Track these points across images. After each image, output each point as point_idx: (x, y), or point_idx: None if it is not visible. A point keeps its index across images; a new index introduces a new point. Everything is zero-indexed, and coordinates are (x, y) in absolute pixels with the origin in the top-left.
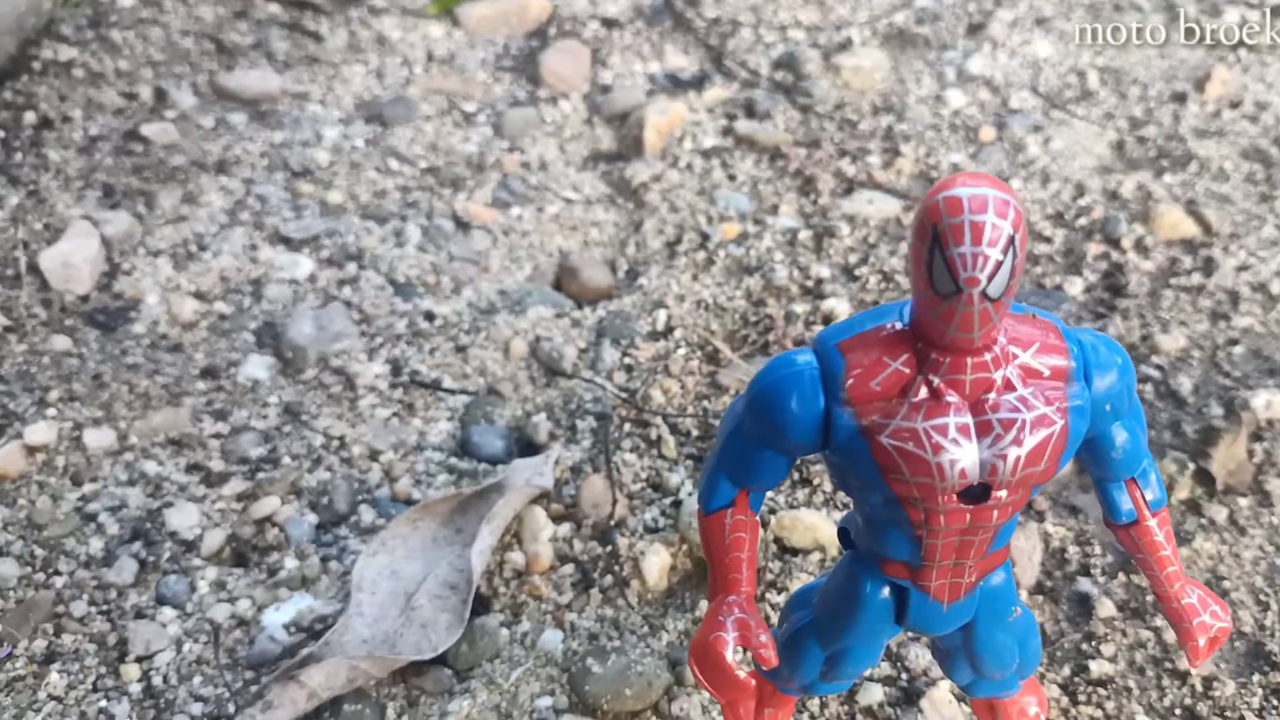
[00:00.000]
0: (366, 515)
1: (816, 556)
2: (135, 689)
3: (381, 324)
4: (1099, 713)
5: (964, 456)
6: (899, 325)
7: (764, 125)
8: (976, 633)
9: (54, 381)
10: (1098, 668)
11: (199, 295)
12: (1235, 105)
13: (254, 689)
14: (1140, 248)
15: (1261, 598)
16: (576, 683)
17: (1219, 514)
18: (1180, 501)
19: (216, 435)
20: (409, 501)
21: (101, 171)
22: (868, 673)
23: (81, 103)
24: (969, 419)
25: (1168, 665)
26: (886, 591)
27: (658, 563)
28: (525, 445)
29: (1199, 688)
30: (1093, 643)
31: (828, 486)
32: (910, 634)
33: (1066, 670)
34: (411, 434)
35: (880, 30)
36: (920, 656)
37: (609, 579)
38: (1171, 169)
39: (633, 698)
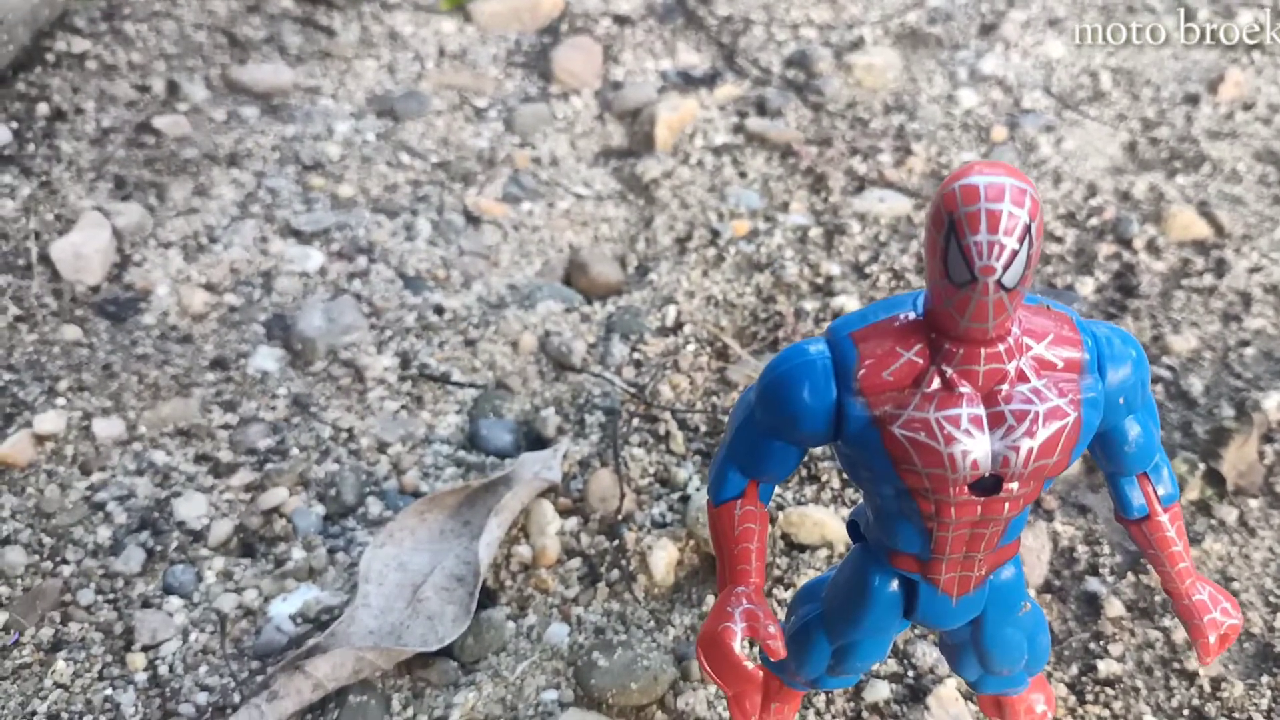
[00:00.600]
0: (374, 507)
1: (824, 553)
2: (141, 678)
3: (391, 317)
4: (1106, 712)
5: (976, 447)
6: (912, 315)
7: (775, 123)
8: (985, 627)
9: (64, 371)
10: (1105, 667)
11: (209, 287)
12: (1248, 107)
13: (260, 679)
14: (1152, 248)
15: (1271, 599)
16: (582, 676)
17: (1229, 515)
18: (1190, 502)
19: (225, 426)
20: (416, 494)
21: (113, 163)
22: (874, 669)
23: (94, 95)
24: (982, 410)
25: (1176, 665)
26: (895, 585)
27: (665, 558)
28: (533, 439)
29: (1207, 688)
30: (1101, 642)
31: (835, 483)
32: (918, 630)
33: (1074, 669)
34: (420, 427)
35: (892, 29)
36: (927, 654)
37: (615, 573)
38: (1184, 170)
39: (638, 692)
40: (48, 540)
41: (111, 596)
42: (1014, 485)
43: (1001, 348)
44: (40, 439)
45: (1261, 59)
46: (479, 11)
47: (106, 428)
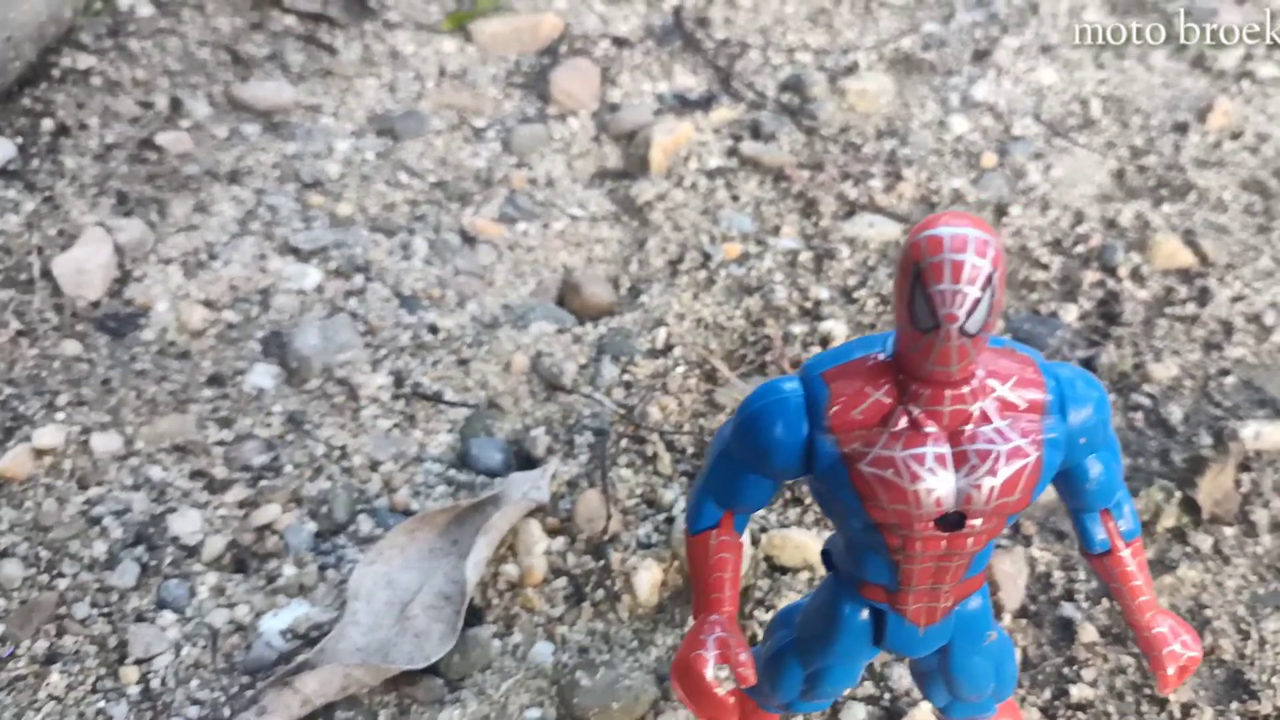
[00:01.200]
0: (365, 525)
1: (805, 575)
2: (134, 691)
3: (386, 336)
4: None
5: (940, 485)
6: (882, 356)
7: (769, 147)
8: (953, 656)
9: (63, 386)
10: (1078, 692)
11: (208, 304)
12: (1236, 136)
13: (249, 694)
14: (1136, 276)
15: (1243, 626)
16: (565, 695)
17: (1204, 542)
18: (1166, 529)
19: (221, 442)
20: (407, 512)
21: (116, 179)
22: (850, 692)
23: (98, 111)
24: (947, 449)
25: (1147, 691)
26: (865, 614)
27: (649, 578)
28: (523, 459)
29: (1178, 715)
30: (1074, 667)
31: (818, 507)
32: (891, 655)
33: (1047, 694)
34: (412, 445)
35: (886, 55)
36: (903, 677)
37: (601, 593)
38: (1170, 198)
39: (620, 711)
40: (44, 554)
41: (106, 610)
42: (977, 522)
43: (966, 389)
44: (39, 453)
45: (1250, 88)
46: (480, 32)
47: (104, 443)
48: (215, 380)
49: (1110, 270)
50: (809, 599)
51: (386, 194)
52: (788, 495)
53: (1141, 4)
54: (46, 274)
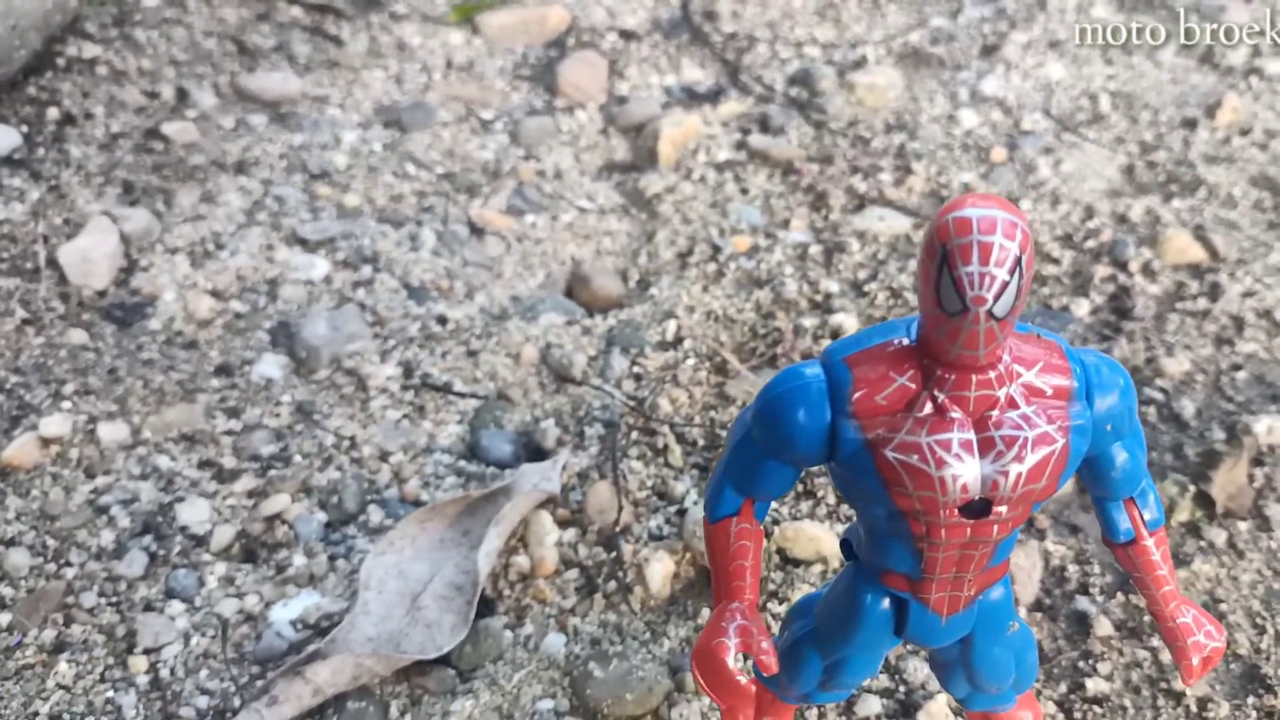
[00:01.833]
0: (375, 515)
1: (818, 568)
2: (142, 680)
3: (394, 327)
4: None
5: (966, 471)
6: (905, 341)
7: (778, 140)
8: (974, 646)
9: (70, 375)
10: (1094, 686)
11: (215, 293)
12: (1245, 132)
13: (260, 684)
14: (1147, 271)
15: (1258, 621)
16: (578, 686)
17: (1218, 537)
18: (1180, 524)
19: (229, 432)
20: (417, 503)
21: (122, 168)
22: (866, 684)
23: (104, 100)
24: (972, 435)
25: (1163, 685)
26: (886, 603)
27: (661, 570)
28: (533, 450)
29: (1193, 709)
30: (1089, 661)
31: (831, 499)
32: (909, 646)
33: (1063, 687)
34: (421, 436)
35: (895, 49)
36: (918, 669)
37: (613, 585)
38: (1180, 194)
39: (633, 703)
40: (52, 543)
41: (114, 599)
42: (1003, 509)
43: (992, 374)
44: (46, 442)
45: (1259, 84)
46: (487, 24)
47: (111, 432)
48: (223, 370)
49: (1121, 265)
50: (828, 588)
51: (394, 185)
52: (800, 488)
53: (1149, 1)
54: (52, 263)
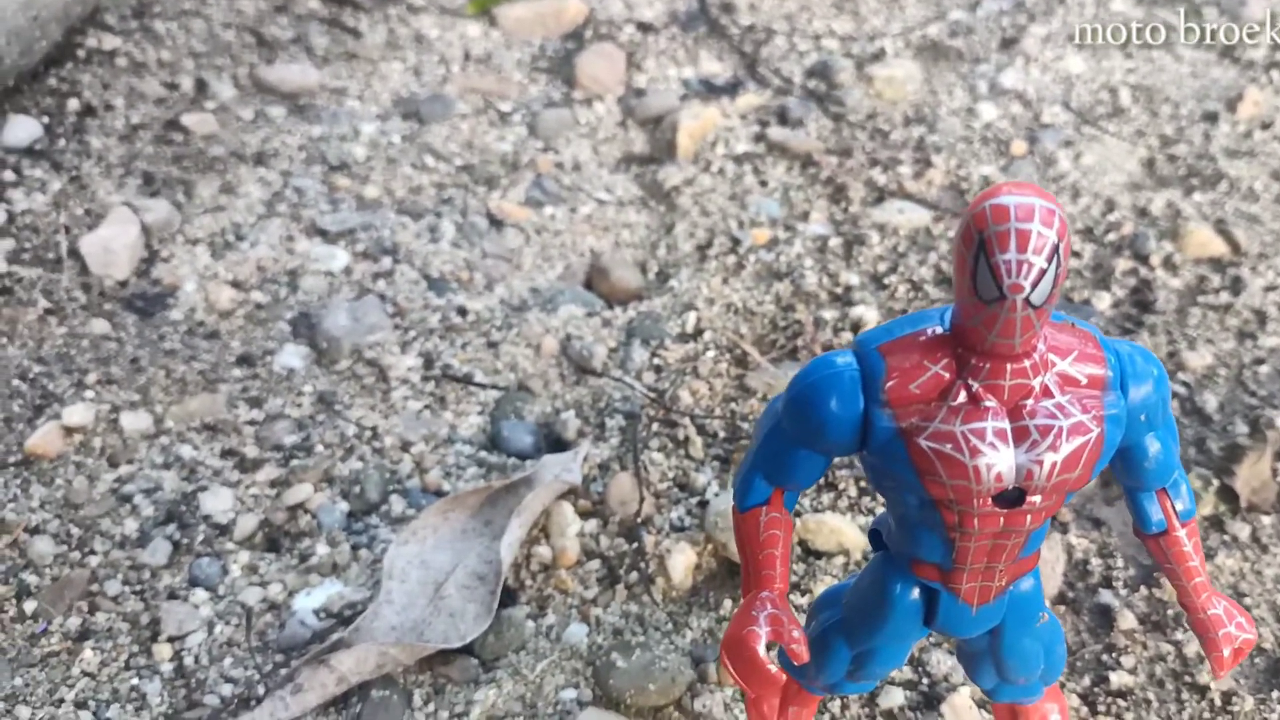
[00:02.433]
0: (397, 505)
1: (840, 560)
2: (167, 668)
3: (415, 318)
4: None
5: (1000, 461)
6: (939, 330)
7: (796, 133)
8: (1004, 637)
9: (92, 364)
10: (1118, 679)
11: (236, 284)
12: (1266, 126)
13: (284, 672)
14: (1169, 265)
15: None
16: (600, 676)
17: (1242, 531)
18: (1204, 518)
19: (251, 422)
20: (439, 493)
21: (142, 159)
22: (889, 676)
23: (124, 91)
24: (1006, 424)
25: (1187, 679)
26: (916, 593)
27: (683, 561)
28: (554, 441)
29: (1218, 702)
30: (1113, 654)
31: (853, 491)
32: (933, 638)
33: (1087, 681)
34: (443, 427)
35: (914, 42)
36: (941, 661)
37: (634, 575)
38: (1201, 187)
39: (656, 693)
40: (76, 531)
41: (138, 588)
42: (1037, 498)
43: (1027, 363)
44: (69, 431)
45: None
46: (504, 16)
47: (134, 421)
48: (244, 360)
49: (1142, 258)
50: (856, 579)
51: (413, 177)
52: (822, 480)
53: None
54: (74, 253)
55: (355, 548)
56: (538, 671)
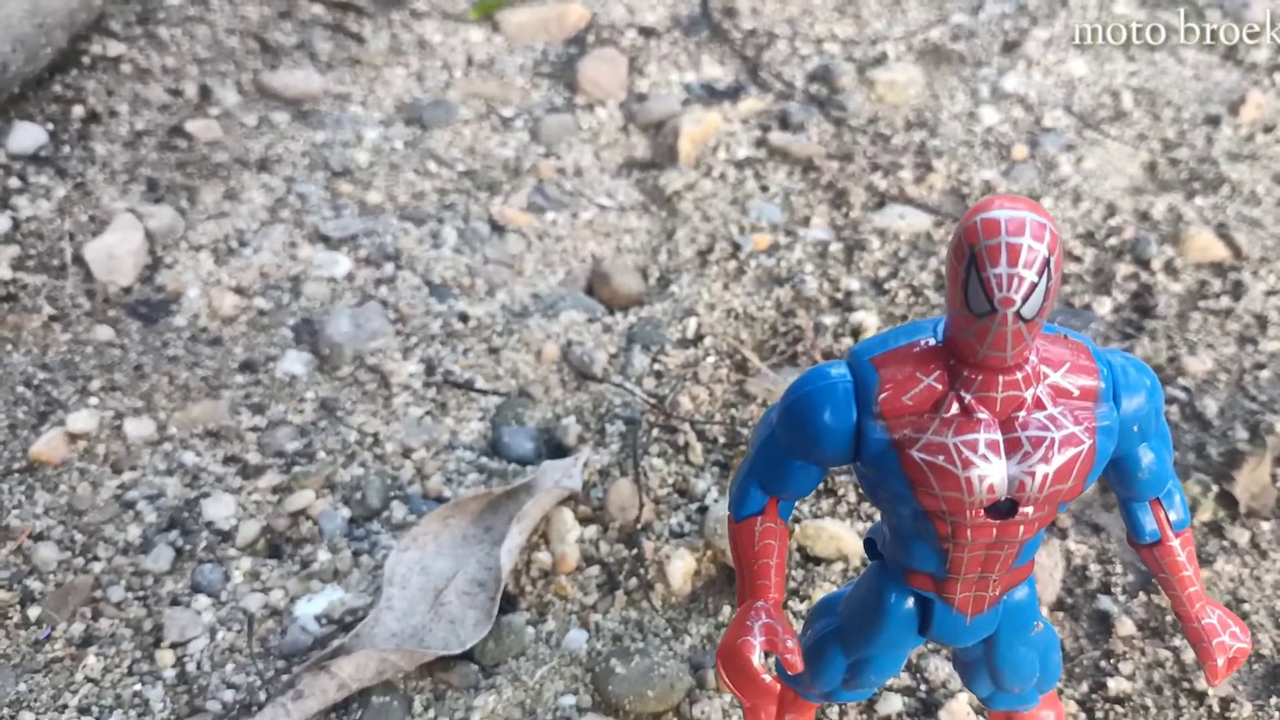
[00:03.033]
0: (398, 511)
1: (839, 566)
2: (169, 674)
3: (417, 324)
4: None
5: (993, 472)
6: (932, 342)
7: (797, 137)
8: (998, 646)
9: (96, 371)
10: (1116, 685)
11: (239, 290)
12: (1269, 130)
13: (285, 678)
14: (1170, 269)
15: None
16: (600, 682)
17: (1241, 537)
18: (1202, 523)
19: (254, 428)
20: (440, 499)
21: (146, 166)
22: (888, 683)
23: (128, 98)
24: (999, 436)
25: (1185, 685)
26: (911, 602)
27: (682, 567)
28: (555, 447)
29: (1216, 709)
30: (1111, 660)
31: (852, 497)
32: (931, 645)
33: (1085, 687)
34: (444, 433)
35: (915, 46)
36: (939, 668)
37: (634, 582)
38: (1203, 191)
39: (655, 699)
40: (79, 537)
41: (141, 594)
42: (1029, 509)
43: (1019, 375)
44: (73, 438)
45: None
46: (507, 21)
47: (137, 428)
48: (247, 366)
49: (1143, 263)
50: (852, 587)
51: (415, 183)
52: (821, 486)
53: None
54: (78, 259)
55: (356, 554)
56: (537, 678)
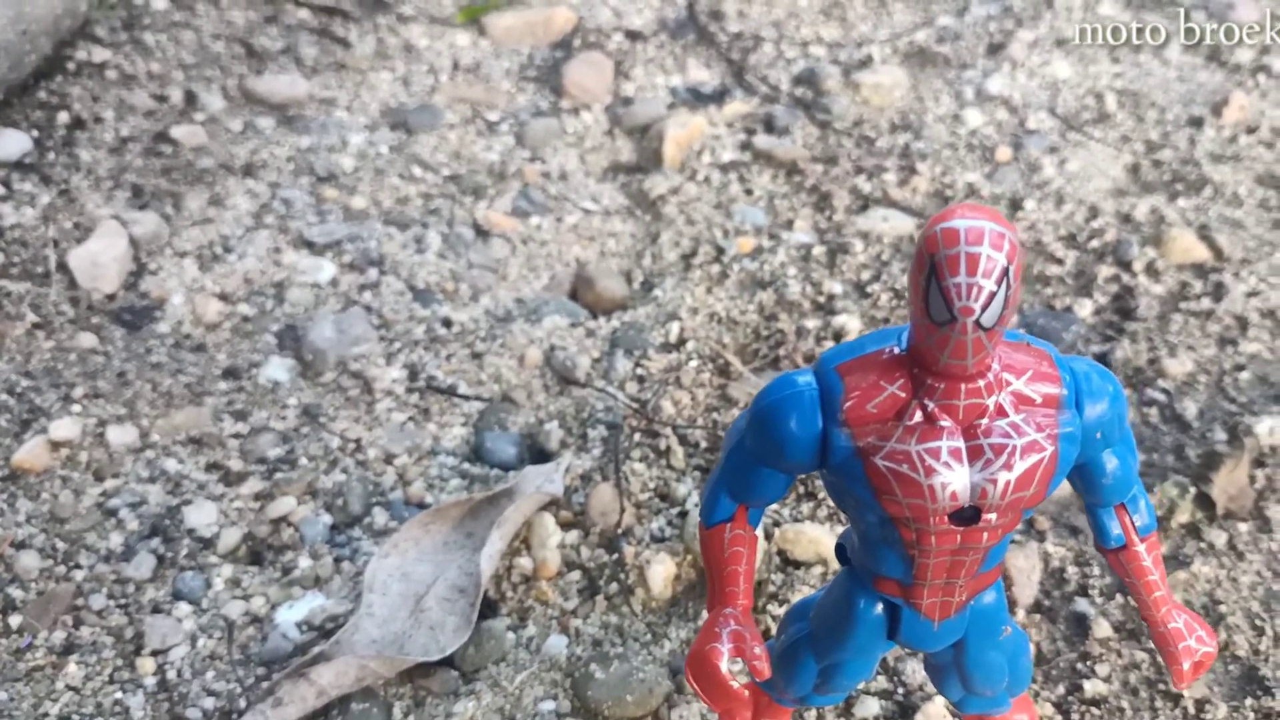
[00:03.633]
0: (380, 517)
1: (819, 570)
2: (150, 682)
3: (400, 329)
4: None
5: (955, 479)
6: (897, 350)
7: (782, 141)
8: (967, 650)
9: (79, 378)
10: (1092, 687)
11: (223, 296)
12: (1252, 131)
13: (265, 685)
14: (1151, 271)
15: (1257, 623)
16: (579, 687)
17: (1218, 538)
18: (1180, 525)
19: (236, 435)
20: (422, 505)
21: (131, 172)
22: (864, 686)
23: (113, 104)
24: (961, 443)
25: (1161, 687)
26: (880, 608)
27: (663, 572)
28: (537, 452)
29: (1191, 710)
30: (1088, 662)
31: (831, 501)
32: (907, 649)
33: (1061, 689)
34: (426, 438)
35: (901, 48)
36: (916, 671)
37: (614, 586)
38: (1185, 193)
39: (634, 704)
40: (61, 545)
41: (123, 601)
42: (992, 516)
43: (981, 383)
44: (56, 445)
45: (1267, 82)
46: (493, 25)
47: (120, 435)
48: (230, 373)
49: (1125, 265)
50: (823, 593)
51: (400, 187)
52: (801, 490)
53: None
54: (62, 267)
55: (338, 560)
56: (517, 683)
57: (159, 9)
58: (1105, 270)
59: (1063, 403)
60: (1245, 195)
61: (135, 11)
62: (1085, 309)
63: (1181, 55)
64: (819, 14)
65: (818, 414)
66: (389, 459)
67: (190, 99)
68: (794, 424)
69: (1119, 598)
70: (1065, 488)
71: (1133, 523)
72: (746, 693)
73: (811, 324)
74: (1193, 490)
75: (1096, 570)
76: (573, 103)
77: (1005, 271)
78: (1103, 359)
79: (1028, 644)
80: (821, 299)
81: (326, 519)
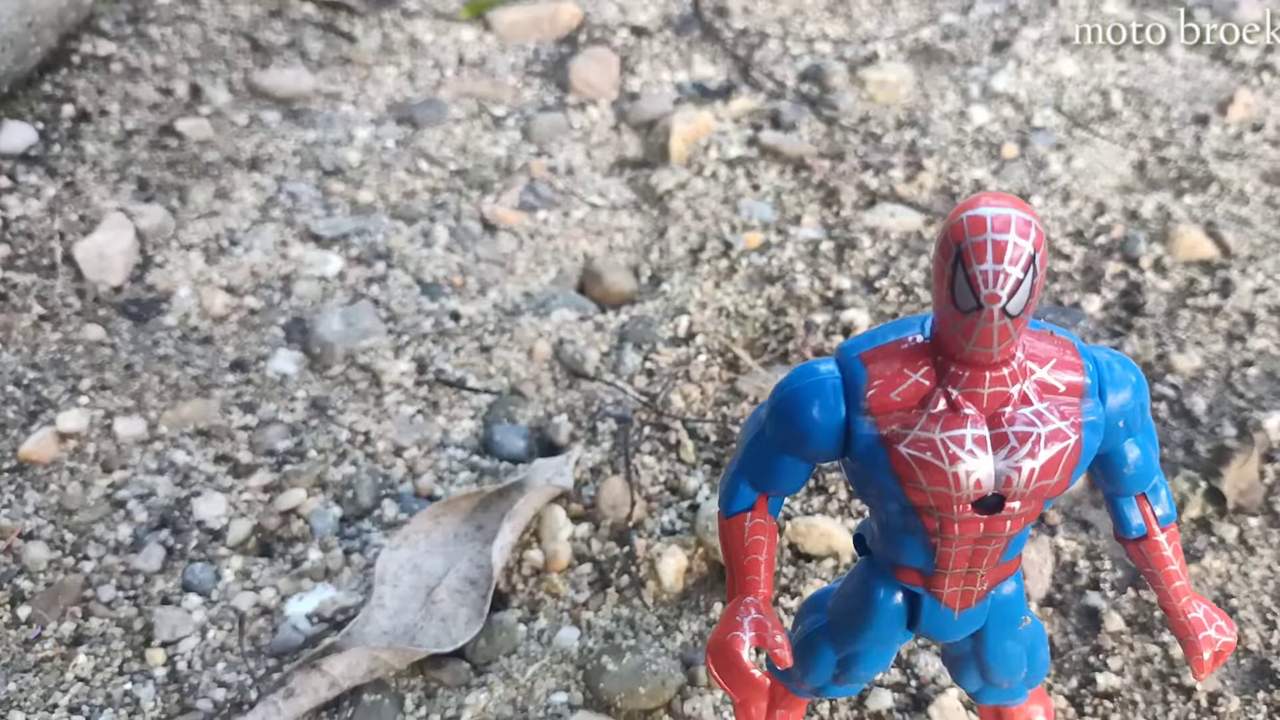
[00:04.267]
0: (389, 510)
1: (830, 563)
2: (160, 673)
3: (408, 322)
4: None
5: (979, 467)
6: (920, 338)
7: (789, 136)
8: (986, 641)
9: (86, 370)
10: (1104, 680)
11: (230, 289)
12: (1257, 128)
13: (276, 676)
14: (1158, 267)
15: (1269, 617)
16: (591, 680)
17: (1229, 533)
18: (1191, 520)
19: (245, 427)
20: (431, 497)
21: (137, 165)
22: (877, 678)
23: (119, 97)
24: (985, 431)
25: (1174, 680)
26: (899, 597)
27: (674, 565)
28: (546, 445)
29: (1204, 703)
30: (1100, 656)
31: (842, 494)
32: (921, 641)
33: (1074, 682)
34: (435, 431)
35: (906, 45)
36: (929, 664)
37: (625, 579)
38: (1192, 190)
39: (646, 696)
40: (70, 536)
41: (132, 593)
42: (1016, 504)
43: (1005, 371)
44: (63, 437)
45: (1272, 80)
46: (499, 20)
47: (128, 427)
48: (238, 365)
49: (1132, 261)
50: (841, 583)
51: (407, 182)
52: (812, 483)
53: None
54: (69, 259)
55: (347, 552)
56: (529, 675)
57: (164, 2)
58: (1113, 266)
59: (1086, 391)
60: (1251, 192)
61: (140, 5)
62: (1093, 304)
63: (1186, 53)
64: (824, 10)
65: (840, 402)
66: (398, 451)
67: (195, 92)
68: (816, 411)
69: (1131, 591)
70: (1076, 483)
71: (1154, 512)
72: (767, 681)
73: (820, 319)
74: (1203, 485)
75: (1108, 564)
76: (579, 98)
77: (1032, 259)
78: None
79: (1045, 635)
80: (830, 294)
81: (336, 511)
